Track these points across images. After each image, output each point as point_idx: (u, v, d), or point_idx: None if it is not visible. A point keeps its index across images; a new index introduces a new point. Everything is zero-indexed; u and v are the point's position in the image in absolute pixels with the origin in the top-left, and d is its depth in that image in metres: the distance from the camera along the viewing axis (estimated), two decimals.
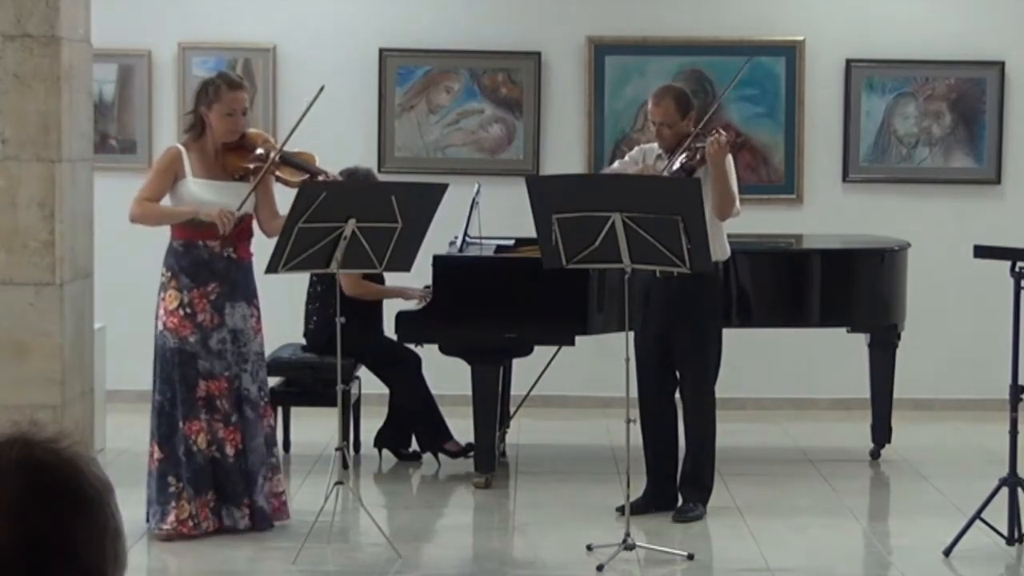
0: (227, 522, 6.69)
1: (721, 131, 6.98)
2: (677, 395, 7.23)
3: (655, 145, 7.13)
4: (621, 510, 6.92)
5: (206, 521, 6.63)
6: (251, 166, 6.69)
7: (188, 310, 6.61)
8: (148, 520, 6.63)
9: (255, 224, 6.82)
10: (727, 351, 8.74)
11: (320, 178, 6.73)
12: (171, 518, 6.56)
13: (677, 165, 6.91)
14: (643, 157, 7.11)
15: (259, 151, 6.73)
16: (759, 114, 9.85)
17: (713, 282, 7.03)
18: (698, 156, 6.88)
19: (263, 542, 6.66)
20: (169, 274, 6.66)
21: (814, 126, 9.86)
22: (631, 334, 6.83)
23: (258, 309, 6.79)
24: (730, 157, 7.00)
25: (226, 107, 6.63)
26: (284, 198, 6.86)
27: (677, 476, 7.18)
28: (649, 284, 6.96)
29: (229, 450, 6.67)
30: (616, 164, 7.34)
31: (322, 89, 6.71)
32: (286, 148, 6.81)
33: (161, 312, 6.65)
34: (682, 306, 6.95)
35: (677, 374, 7.17)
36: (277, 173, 6.73)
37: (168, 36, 9.75)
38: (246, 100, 6.77)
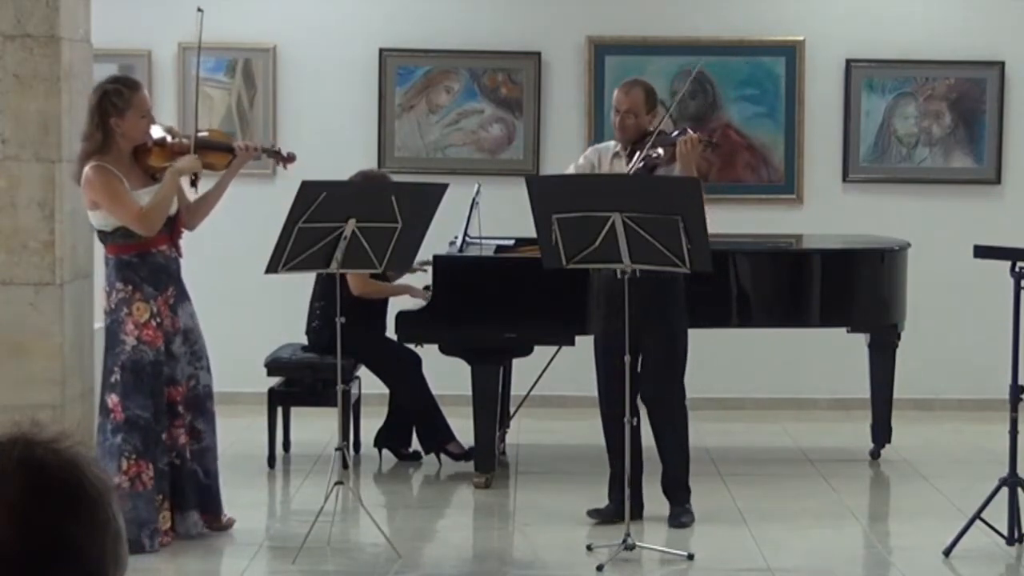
0: (180, 529, 6.55)
1: (690, 131, 6.91)
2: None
3: (610, 144, 7.11)
4: (592, 514, 6.95)
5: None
6: (174, 162, 6.51)
7: (158, 320, 6.47)
8: (141, 543, 6.26)
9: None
10: (728, 351, 8.77)
11: (240, 150, 6.62)
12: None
13: (640, 164, 6.84)
14: (598, 158, 7.08)
15: (171, 141, 6.57)
16: (759, 114, 9.85)
17: (678, 283, 6.89)
18: (658, 155, 6.78)
19: (263, 542, 6.66)
20: (130, 287, 6.44)
21: (814, 126, 9.86)
22: (629, 334, 6.78)
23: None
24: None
25: (140, 110, 6.45)
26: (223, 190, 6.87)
27: (639, 481, 7.04)
28: (611, 285, 6.78)
29: (187, 454, 6.57)
30: (571, 168, 7.25)
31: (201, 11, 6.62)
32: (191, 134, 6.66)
33: (131, 327, 6.43)
34: (648, 307, 6.81)
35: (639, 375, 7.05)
36: (204, 160, 6.59)
37: (168, 36, 9.74)
38: (148, 97, 6.62)
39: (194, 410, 6.59)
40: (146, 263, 6.46)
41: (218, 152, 6.66)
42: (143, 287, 6.45)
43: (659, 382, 6.98)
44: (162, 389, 6.47)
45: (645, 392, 7.00)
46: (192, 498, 6.57)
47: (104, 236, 6.52)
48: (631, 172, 6.81)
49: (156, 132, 6.61)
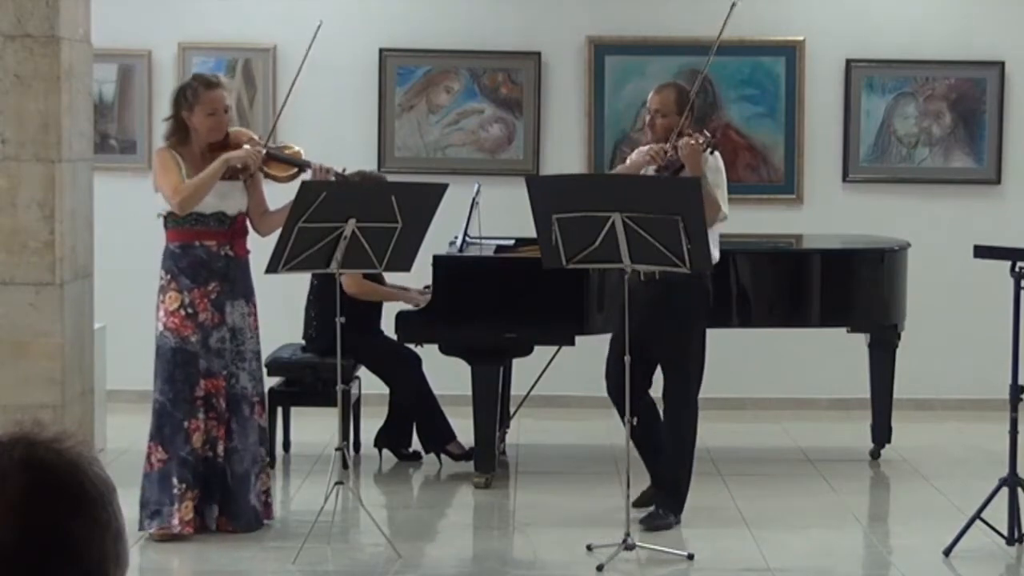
0: (207, 522, 6.69)
1: (696, 134, 6.88)
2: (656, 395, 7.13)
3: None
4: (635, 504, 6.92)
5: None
6: (239, 164, 6.68)
7: (190, 310, 6.62)
8: (142, 523, 6.55)
9: (248, 222, 6.83)
10: (728, 351, 8.74)
11: (307, 171, 6.76)
12: (175, 520, 6.55)
13: (663, 164, 6.83)
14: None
15: (245, 147, 6.73)
16: (759, 114, 9.85)
17: (698, 287, 6.86)
18: (678, 154, 6.80)
19: (263, 542, 6.66)
20: (168, 276, 6.66)
21: (814, 126, 9.87)
22: (628, 334, 6.78)
23: (255, 307, 6.81)
24: (720, 162, 6.90)
25: (207, 107, 6.64)
26: (273, 194, 6.91)
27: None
28: (633, 287, 6.72)
29: (220, 449, 6.68)
30: (619, 168, 7.30)
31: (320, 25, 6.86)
32: (271, 143, 6.87)
33: (161, 314, 6.65)
34: (665, 311, 6.82)
35: (653, 378, 7.04)
36: (265, 169, 6.75)
37: (168, 36, 9.75)
38: (226, 97, 6.78)
39: (231, 409, 6.71)
40: (187, 255, 6.63)
41: (283, 165, 6.78)
42: (180, 278, 6.63)
43: (669, 390, 6.99)
44: (190, 378, 6.60)
45: (664, 394, 7.03)
46: (216, 494, 6.69)
47: (164, 221, 6.70)
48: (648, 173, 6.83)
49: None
